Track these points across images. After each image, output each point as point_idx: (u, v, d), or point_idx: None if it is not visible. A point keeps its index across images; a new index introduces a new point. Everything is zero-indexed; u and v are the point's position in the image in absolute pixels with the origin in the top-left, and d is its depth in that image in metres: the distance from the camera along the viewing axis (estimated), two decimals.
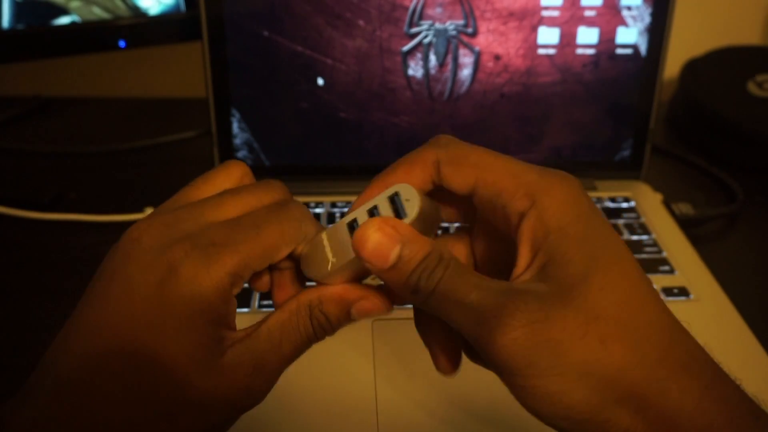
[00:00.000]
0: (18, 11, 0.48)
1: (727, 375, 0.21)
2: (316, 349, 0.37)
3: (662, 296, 0.41)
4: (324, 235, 0.24)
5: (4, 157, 0.59)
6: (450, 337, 0.24)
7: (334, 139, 0.50)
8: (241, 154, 0.50)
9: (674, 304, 0.41)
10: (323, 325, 0.24)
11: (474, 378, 0.35)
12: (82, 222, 0.49)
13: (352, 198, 0.49)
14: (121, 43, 0.51)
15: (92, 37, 0.51)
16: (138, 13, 0.51)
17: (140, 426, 0.21)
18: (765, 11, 0.73)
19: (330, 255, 0.23)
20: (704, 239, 0.50)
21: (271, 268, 0.25)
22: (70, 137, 0.62)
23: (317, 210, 0.48)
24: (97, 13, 0.50)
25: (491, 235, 0.25)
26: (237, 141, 0.49)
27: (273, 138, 0.50)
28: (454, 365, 0.25)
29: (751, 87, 0.61)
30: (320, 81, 0.48)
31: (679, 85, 0.66)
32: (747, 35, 0.74)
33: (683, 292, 0.42)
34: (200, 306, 0.21)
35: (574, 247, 0.20)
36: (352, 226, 0.23)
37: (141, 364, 0.21)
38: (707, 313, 0.40)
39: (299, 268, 0.25)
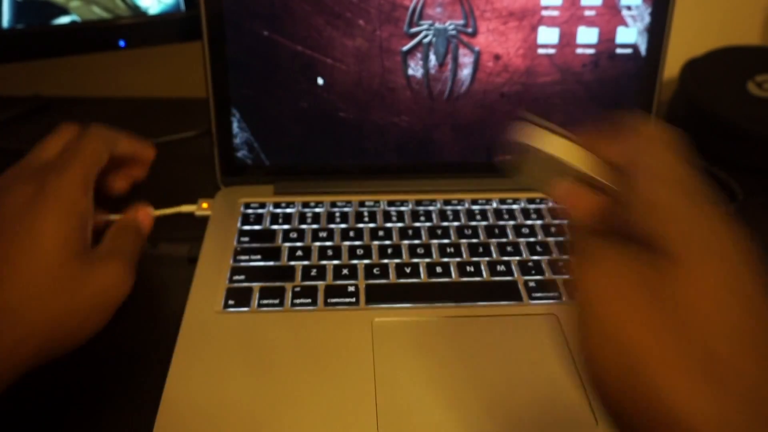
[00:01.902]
0: (18, 11, 0.48)
1: None
2: (316, 348, 0.37)
3: None
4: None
5: (4, 157, 0.59)
6: None
7: (334, 138, 0.50)
8: (241, 153, 0.50)
9: None
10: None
11: (473, 378, 0.35)
12: None
13: (353, 198, 0.49)
14: (121, 43, 0.51)
15: (92, 36, 0.51)
16: (138, 12, 0.51)
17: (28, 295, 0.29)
18: (765, 11, 0.73)
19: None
20: None
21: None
22: None
23: (317, 209, 0.48)
24: (97, 12, 0.50)
25: None
26: (237, 140, 0.49)
27: (273, 137, 0.50)
28: None
29: (751, 87, 0.61)
30: (320, 81, 0.48)
31: (678, 85, 0.66)
32: (747, 35, 0.74)
33: None
34: (68, 200, 0.31)
35: None
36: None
37: (25, 246, 0.29)
38: None
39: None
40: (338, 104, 0.49)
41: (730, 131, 0.59)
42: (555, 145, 0.25)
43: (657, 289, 0.21)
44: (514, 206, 0.49)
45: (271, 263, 0.43)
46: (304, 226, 0.47)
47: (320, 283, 0.41)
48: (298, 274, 0.42)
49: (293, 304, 0.40)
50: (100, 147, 0.35)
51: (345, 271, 0.42)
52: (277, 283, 0.41)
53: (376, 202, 0.49)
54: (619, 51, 0.49)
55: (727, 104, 0.60)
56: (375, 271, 0.43)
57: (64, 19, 0.50)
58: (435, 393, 0.34)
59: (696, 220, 0.22)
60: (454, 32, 0.48)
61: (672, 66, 0.64)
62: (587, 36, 0.48)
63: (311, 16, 0.46)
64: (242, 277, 0.42)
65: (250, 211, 0.48)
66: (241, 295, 0.40)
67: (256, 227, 0.47)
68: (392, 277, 0.42)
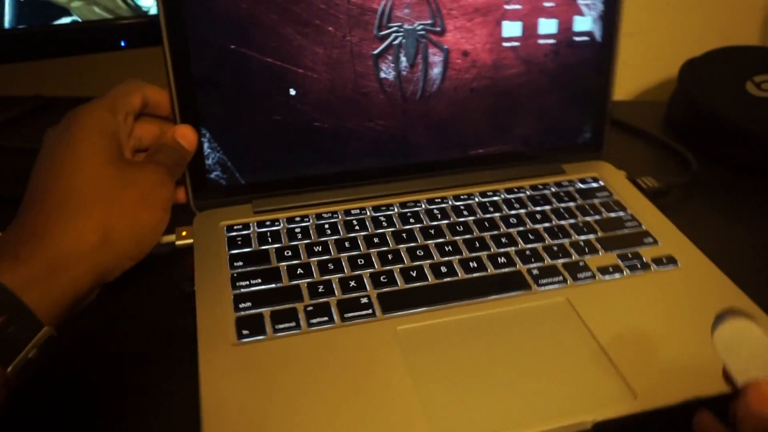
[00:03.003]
0: (20, 11, 0.48)
1: None
2: (347, 365, 0.35)
3: (654, 267, 0.44)
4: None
5: (4, 157, 0.58)
6: None
7: (311, 149, 0.49)
8: (214, 174, 0.47)
9: (666, 274, 0.43)
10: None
11: (507, 370, 0.36)
12: None
13: (337, 207, 0.49)
14: (122, 43, 0.50)
15: (93, 37, 0.50)
16: (139, 13, 0.50)
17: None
18: (764, 11, 0.74)
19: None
20: (669, 207, 0.53)
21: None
22: None
23: (303, 224, 0.47)
24: (98, 13, 0.49)
25: None
26: (209, 162, 0.47)
27: (247, 155, 0.48)
28: None
29: (750, 87, 0.61)
30: (292, 91, 0.46)
31: (678, 85, 0.65)
32: (746, 35, 0.75)
33: (671, 260, 0.44)
34: (97, 120, 0.37)
35: None
36: None
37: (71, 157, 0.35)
38: (697, 277, 0.43)
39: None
40: (312, 114, 0.48)
41: (729, 131, 0.59)
42: None
43: None
44: (495, 198, 0.50)
45: (273, 285, 0.42)
46: (295, 243, 0.45)
47: (331, 299, 0.40)
48: (305, 293, 0.41)
49: (310, 325, 0.39)
50: (127, 87, 0.40)
51: (352, 283, 0.42)
52: (287, 305, 0.40)
53: (362, 209, 0.49)
54: (576, 39, 0.51)
55: (726, 104, 0.60)
56: (382, 279, 0.42)
57: (65, 20, 0.49)
58: (475, 389, 0.34)
59: None
60: (422, 32, 0.48)
61: (671, 66, 0.65)
62: (547, 27, 0.50)
63: (279, 25, 0.45)
64: (248, 303, 0.40)
65: (234, 233, 0.46)
66: (253, 322, 0.39)
67: (246, 249, 0.45)
68: (401, 283, 0.42)
